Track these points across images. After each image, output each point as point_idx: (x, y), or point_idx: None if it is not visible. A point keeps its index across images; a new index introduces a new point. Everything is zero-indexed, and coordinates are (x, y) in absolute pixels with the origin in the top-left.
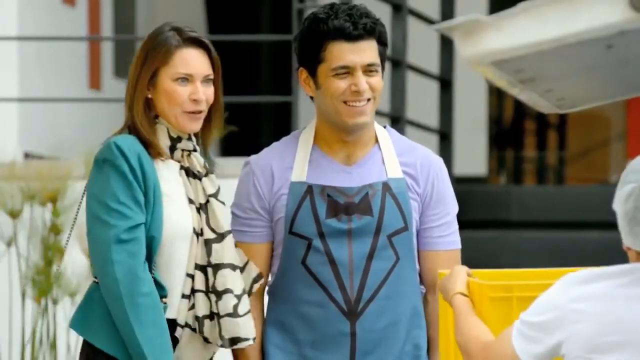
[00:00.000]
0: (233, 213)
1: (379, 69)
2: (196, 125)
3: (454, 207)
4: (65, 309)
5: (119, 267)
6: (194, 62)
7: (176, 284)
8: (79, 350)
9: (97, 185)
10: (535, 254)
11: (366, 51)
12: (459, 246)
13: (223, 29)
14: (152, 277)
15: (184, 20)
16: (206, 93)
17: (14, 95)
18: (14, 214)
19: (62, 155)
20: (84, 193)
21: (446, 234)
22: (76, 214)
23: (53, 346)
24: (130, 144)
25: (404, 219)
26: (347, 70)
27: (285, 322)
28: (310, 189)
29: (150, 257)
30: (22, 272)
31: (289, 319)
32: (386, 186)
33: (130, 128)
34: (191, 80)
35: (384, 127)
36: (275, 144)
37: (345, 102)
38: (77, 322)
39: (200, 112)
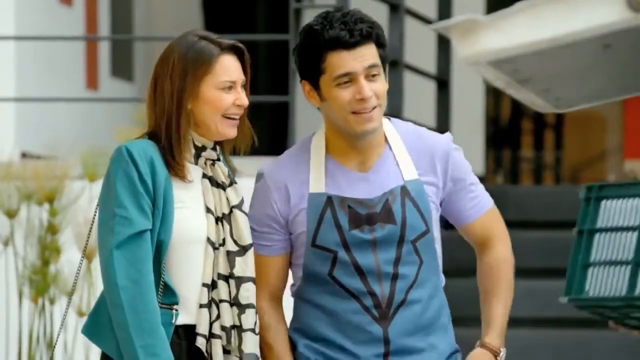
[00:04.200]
0: (251, 227)
1: (381, 71)
2: (235, 131)
3: (472, 175)
4: (62, 309)
5: (119, 275)
6: (234, 69)
7: (191, 290)
8: (75, 350)
9: (105, 191)
10: (533, 254)
11: (366, 55)
12: (492, 201)
13: (219, 28)
14: (163, 281)
15: (181, 19)
16: (246, 98)
17: (11, 95)
18: (11, 214)
19: (59, 155)
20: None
21: (477, 200)
22: (94, 214)
23: (50, 346)
24: (143, 149)
25: (425, 221)
26: (349, 78)
27: (313, 325)
28: (330, 200)
29: (159, 261)
30: (19, 271)
31: (318, 323)
32: (404, 190)
33: (151, 135)
34: (234, 87)
35: (389, 119)
36: (287, 155)
37: (353, 112)
38: (88, 328)
39: (239, 117)
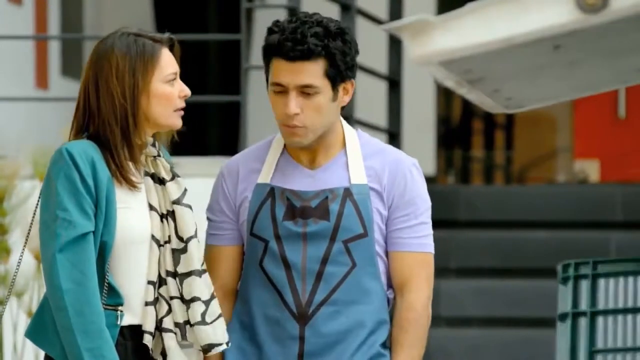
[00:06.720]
0: (207, 217)
1: (320, 90)
2: (181, 122)
3: (425, 210)
4: (12, 309)
5: (63, 278)
6: (172, 60)
7: (136, 289)
8: (25, 351)
9: (46, 193)
10: (483, 254)
11: (303, 73)
12: (431, 250)
13: (170, 27)
14: (107, 282)
15: (132, 19)
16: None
17: None
18: None
19: (8, 154)
20: (39, 197)
21: (416, 236)
22: (34, 213)
23: None
24: (84, 149)
25: (364, 225)
26: (281, 89)
27: (245, 322)
28: (272, 191)
29: (103, 262)
30: None
31: (248, 320)
32: (347, 192)
33: (92, 136)
34: (176, 78)
35: (356, 130)
36: (249, 147)
37: (282, 124)
38: (32, 331)
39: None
